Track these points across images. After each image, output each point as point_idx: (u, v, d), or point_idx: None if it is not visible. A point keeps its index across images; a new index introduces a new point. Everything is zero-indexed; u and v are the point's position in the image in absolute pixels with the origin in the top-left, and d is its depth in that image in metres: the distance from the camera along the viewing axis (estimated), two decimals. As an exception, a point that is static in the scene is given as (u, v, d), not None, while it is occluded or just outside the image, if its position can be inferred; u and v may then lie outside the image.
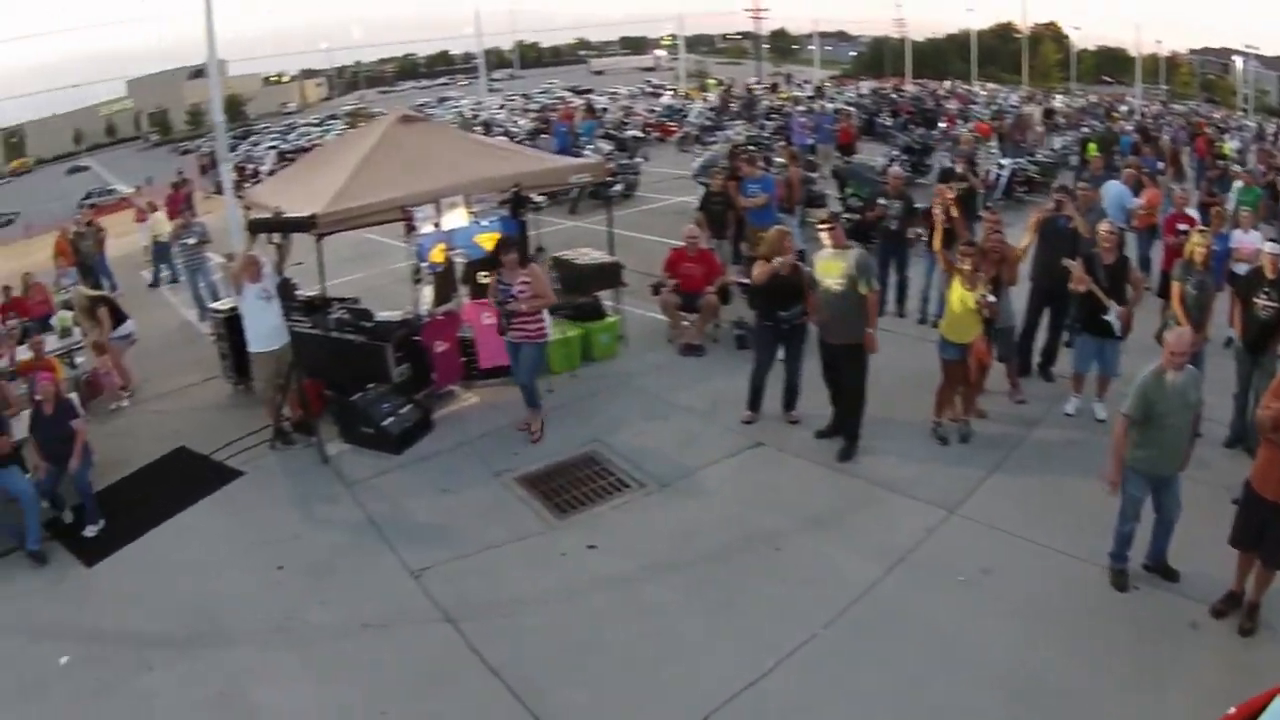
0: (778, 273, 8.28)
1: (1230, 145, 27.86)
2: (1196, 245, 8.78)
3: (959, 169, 13.73)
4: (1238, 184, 15.70)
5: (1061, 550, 6.98)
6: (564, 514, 7.48)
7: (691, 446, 8.55)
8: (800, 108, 31.34)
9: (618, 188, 19.58)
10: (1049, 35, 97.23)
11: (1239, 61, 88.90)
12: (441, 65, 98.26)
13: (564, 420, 9.08)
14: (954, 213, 9.28)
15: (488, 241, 9.74)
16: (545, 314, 8.82)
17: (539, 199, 10.81)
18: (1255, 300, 8.32)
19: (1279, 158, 22.19)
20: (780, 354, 8.90)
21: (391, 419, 8.60)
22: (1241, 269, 11.02)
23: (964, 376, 8.54)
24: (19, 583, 7.26)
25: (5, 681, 6.12)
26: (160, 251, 17.01)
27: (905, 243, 11.40)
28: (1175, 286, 8.79)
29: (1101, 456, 7.86)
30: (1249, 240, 11.53)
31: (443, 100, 65.86)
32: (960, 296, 8.14)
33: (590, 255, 11.18)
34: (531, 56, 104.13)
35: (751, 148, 20.56)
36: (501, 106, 53.94)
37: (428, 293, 9.78)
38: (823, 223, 8.31)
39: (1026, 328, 9.98)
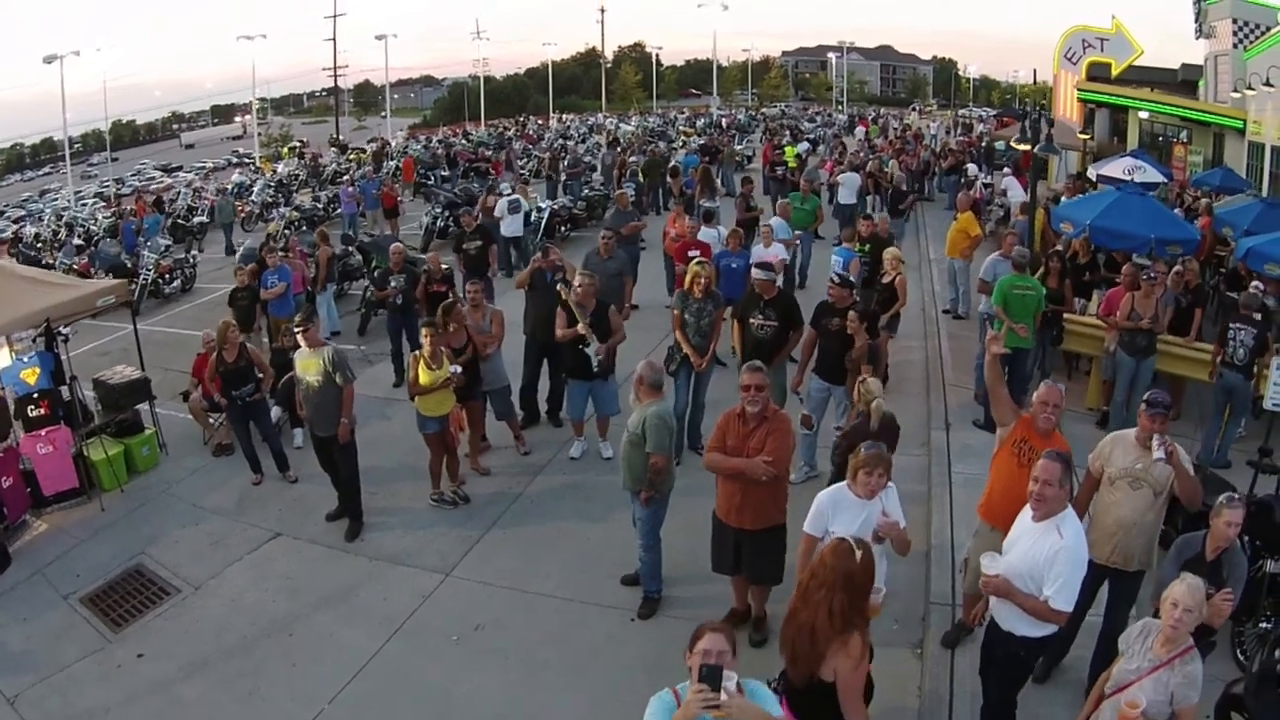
0: (225, 360, 9.62)
1: (797, 149, 29.13)
2: (695, 274, 9.42)
3: (467, 227, 14.29)
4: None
5: (553, 595, 7.69)
6: (119, 627, 7.73)
7: (221, 546, 8.82)
8: (350, 174, 31.38)
9: (175, 284, 19.21)
10: (632, 56, 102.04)
11: (833, 58, 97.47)
12: (46, 153, 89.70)
13: (115, 536, 9.16)
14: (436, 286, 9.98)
15: (31, 376, 9.88)
16: None
17: (65, 331, 10.60)
18: (751, 320, 8.97)
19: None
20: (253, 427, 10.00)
21: (-25, 559, 8.51)
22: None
23: (449, 446, 9.20)
24: None
25: None
26: None
27: (413, 313, 11.94)
28: (674, 315, 9.55)
29: (602, 494, 8.99)
30: (770, 255, 12.07)
31: (44, 193, 60.45)
32: (426, 378, 8.66)
33: (123, 373, 11.01)
34: (127, 135, 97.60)
35: (289, 230, 20.90)
36: (96, 196, 52.13)
37: (-14, 434, 9.69)
38: (298, 325, 8.72)
39: (528, 380, 10.65)
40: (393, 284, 11.96)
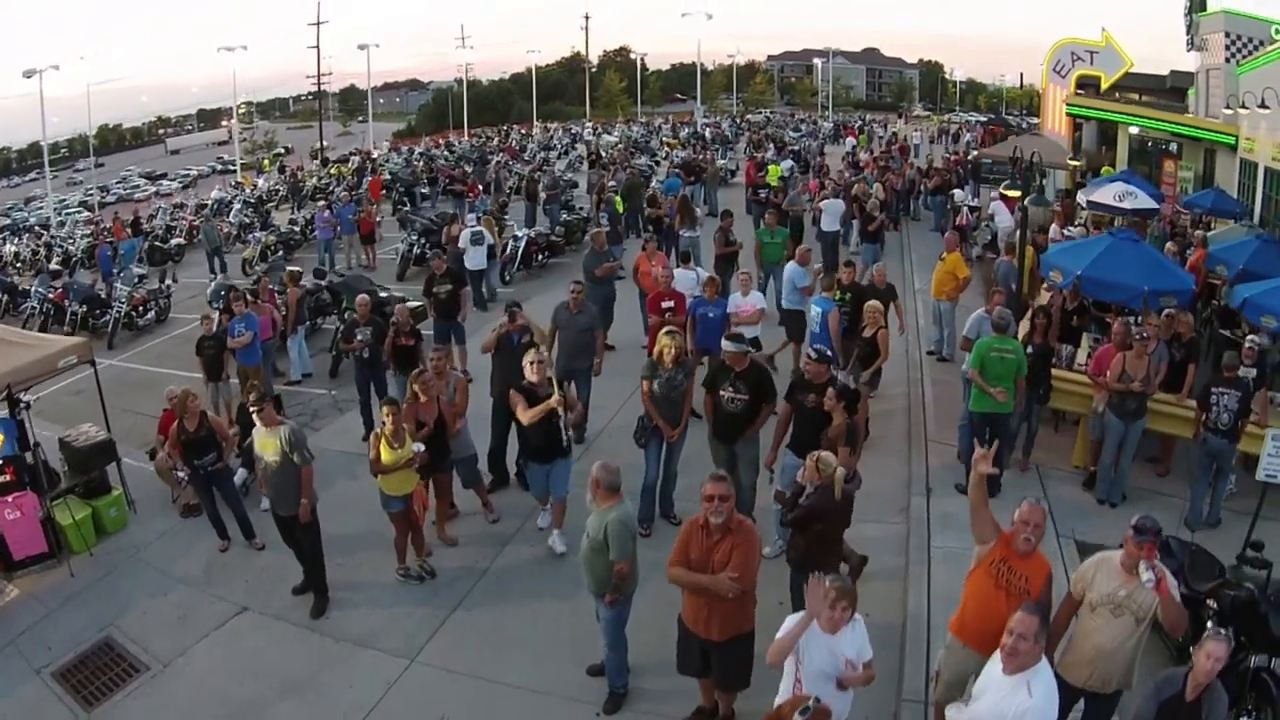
0: (186, 429, 9.41)
1: (781, 168, 27.56)
2: (665, 345, 8.81)
3: (438, 270, 13.83)
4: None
5: (518, 685, 7.46)
6: (91, 706, 7.65)
7: (189, 620, 8.64)
8: (331, 188, 30.76)
9: (150, 315, 18.93)
10: (617, 61, 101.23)
11: (819, 63, 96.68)
12: (33, 158, 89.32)
13: (85, 605, 9.03)
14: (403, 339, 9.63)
15: (-5, 443, 9.69)
16: None
17: (27, 398, 10.38)
18: (721, 392, 8.49)
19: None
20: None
21: (-55, 629, 8.41)
22: (747, 333, 10.95)
23: (414, 523, 8.92)
24: None
25: None
26: None
27: (381, 366, 11.63)
28: (643, 386, 8.99)
29: (569, 569, 8.63)
30: (748, 304, 11.62)
31: (29, 200, 60.10)
32: (388, 457, 8.37)
33: (88, 434, 10.75)
34: (113, 140, 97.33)
35: (266, 256, 21.10)
36: (81, 205, 53.71)
37: (-49, 501, 9.51)
38: (253, 404, 8.45)
39: (496, 443, 10.31)
40: (359, 337, 11.61)
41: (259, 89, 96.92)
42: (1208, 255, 14.02)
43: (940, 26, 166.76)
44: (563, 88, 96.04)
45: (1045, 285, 12.74)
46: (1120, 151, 28.90)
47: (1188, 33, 28.04)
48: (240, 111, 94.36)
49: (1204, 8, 27.26)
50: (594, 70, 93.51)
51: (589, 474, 6.69)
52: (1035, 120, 70.19)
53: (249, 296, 13.55)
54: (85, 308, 18.48)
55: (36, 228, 41.95)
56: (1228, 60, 24.72)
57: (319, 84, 66.60)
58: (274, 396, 11.31)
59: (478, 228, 17.90)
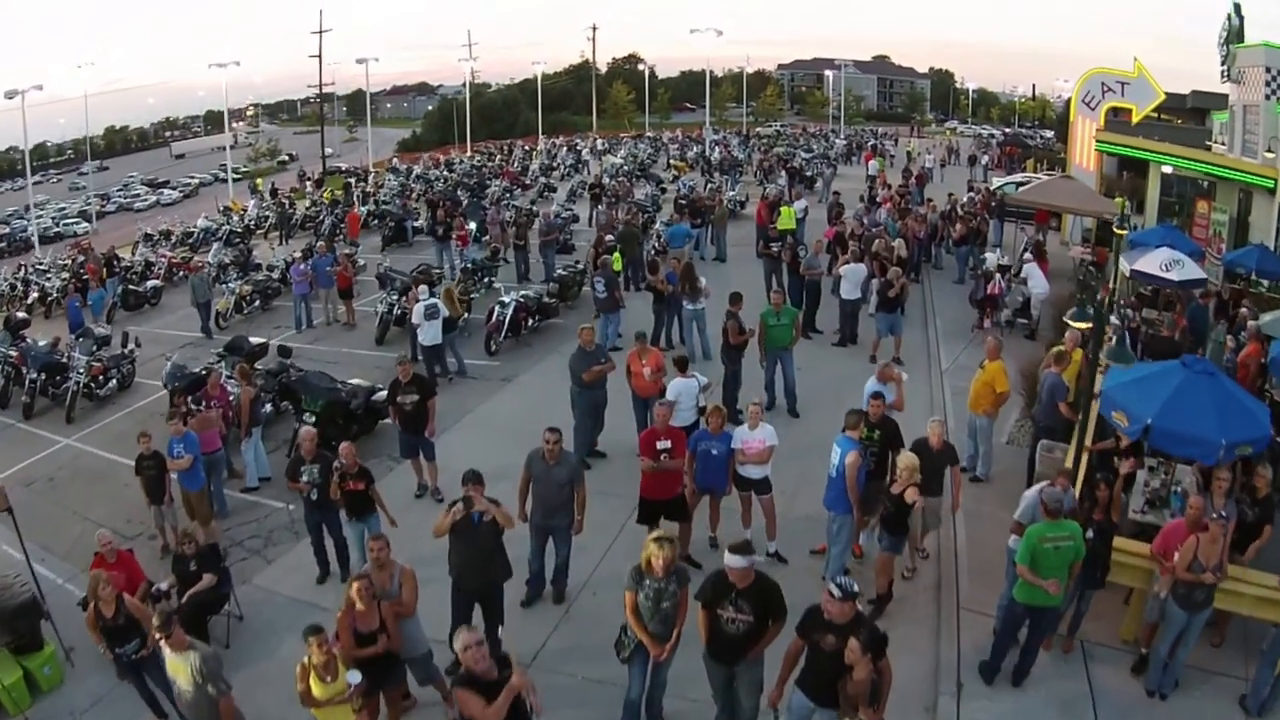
0: (103, 615, 8.16)
1: (795, 210, 24.86)
2: (653, 554, 7.18)
3: (403, 377, 12.07)
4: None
5: None
6: None
7: None
8: (319, 215, 29.41)
9: (111, 384, 17.62)
10: (625, 70, 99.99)
11: (830, 74, 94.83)
12: (37, 161, 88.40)
13: None
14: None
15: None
16: None
17: None
18: (720, 612, 7.08)
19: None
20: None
21: None
22: (754, 473, 9.99)
23: None
24: None
25: None
26: None
27: (331, 507, 10.14)
28: (628, 598, 7.44)
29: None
30: (756, 440, 9.94)
31: (29, 207, 59.59)
32: (320, 691, 7.07)
33: (12, 590, 9.53)
34: (119, 142, 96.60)
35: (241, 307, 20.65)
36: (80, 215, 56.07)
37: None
38: (158, 629, 7.19)
39: (456, 626, 8.70)
40: (304, 477, 10.08)
41: (267, 91, 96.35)
42: (1271, 360, 12.49)
43: (949, 33, 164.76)
44: (570, 97, 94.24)
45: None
46: (1151, 191, 27.39)
47: (1223, 63, 26.52)
48: (249, 114, 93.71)
49: (1242, 38, 25.75)
50: (601, 76, 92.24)
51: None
52: (1049, 134, 68.81)
53: (189, 405, 12.25)
54: (44, 375, 17.18)
55: (30, 239, 41.82)
56: (1268, 97, 23.20)
57: (320, 94, 65.20)
58: (211, 545, 10.01)
59: (431, 300, 16.44)
